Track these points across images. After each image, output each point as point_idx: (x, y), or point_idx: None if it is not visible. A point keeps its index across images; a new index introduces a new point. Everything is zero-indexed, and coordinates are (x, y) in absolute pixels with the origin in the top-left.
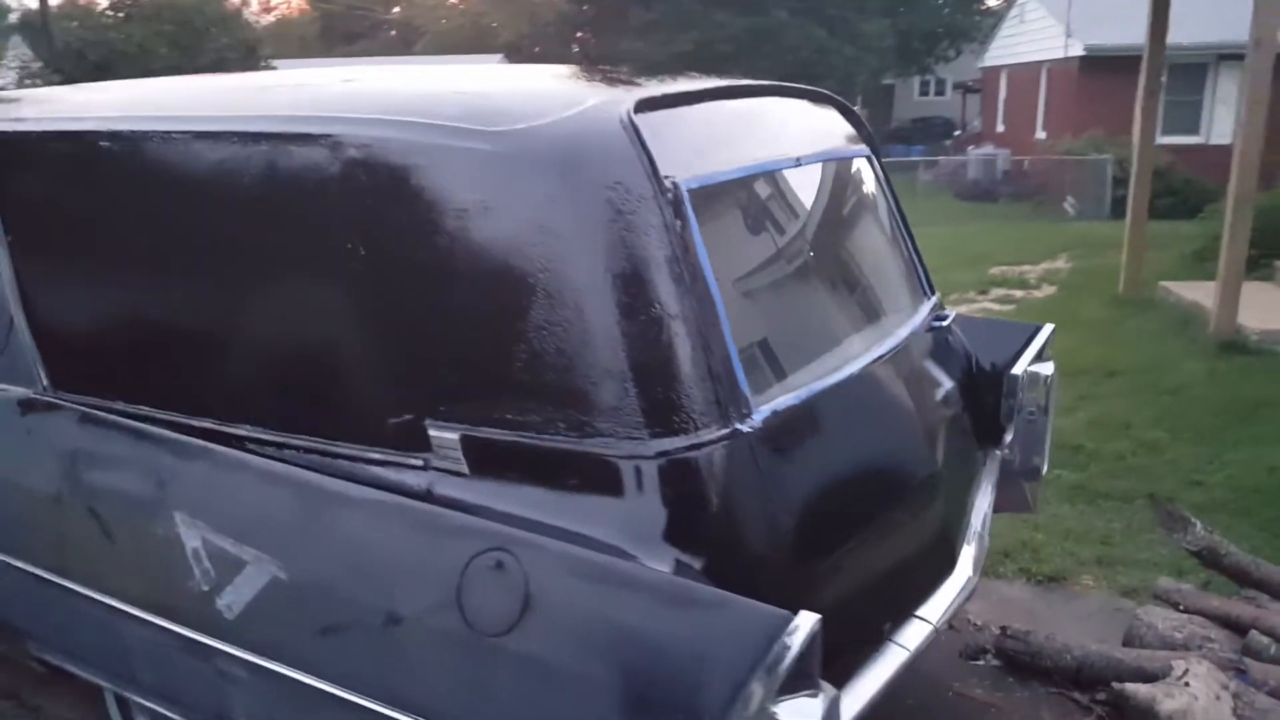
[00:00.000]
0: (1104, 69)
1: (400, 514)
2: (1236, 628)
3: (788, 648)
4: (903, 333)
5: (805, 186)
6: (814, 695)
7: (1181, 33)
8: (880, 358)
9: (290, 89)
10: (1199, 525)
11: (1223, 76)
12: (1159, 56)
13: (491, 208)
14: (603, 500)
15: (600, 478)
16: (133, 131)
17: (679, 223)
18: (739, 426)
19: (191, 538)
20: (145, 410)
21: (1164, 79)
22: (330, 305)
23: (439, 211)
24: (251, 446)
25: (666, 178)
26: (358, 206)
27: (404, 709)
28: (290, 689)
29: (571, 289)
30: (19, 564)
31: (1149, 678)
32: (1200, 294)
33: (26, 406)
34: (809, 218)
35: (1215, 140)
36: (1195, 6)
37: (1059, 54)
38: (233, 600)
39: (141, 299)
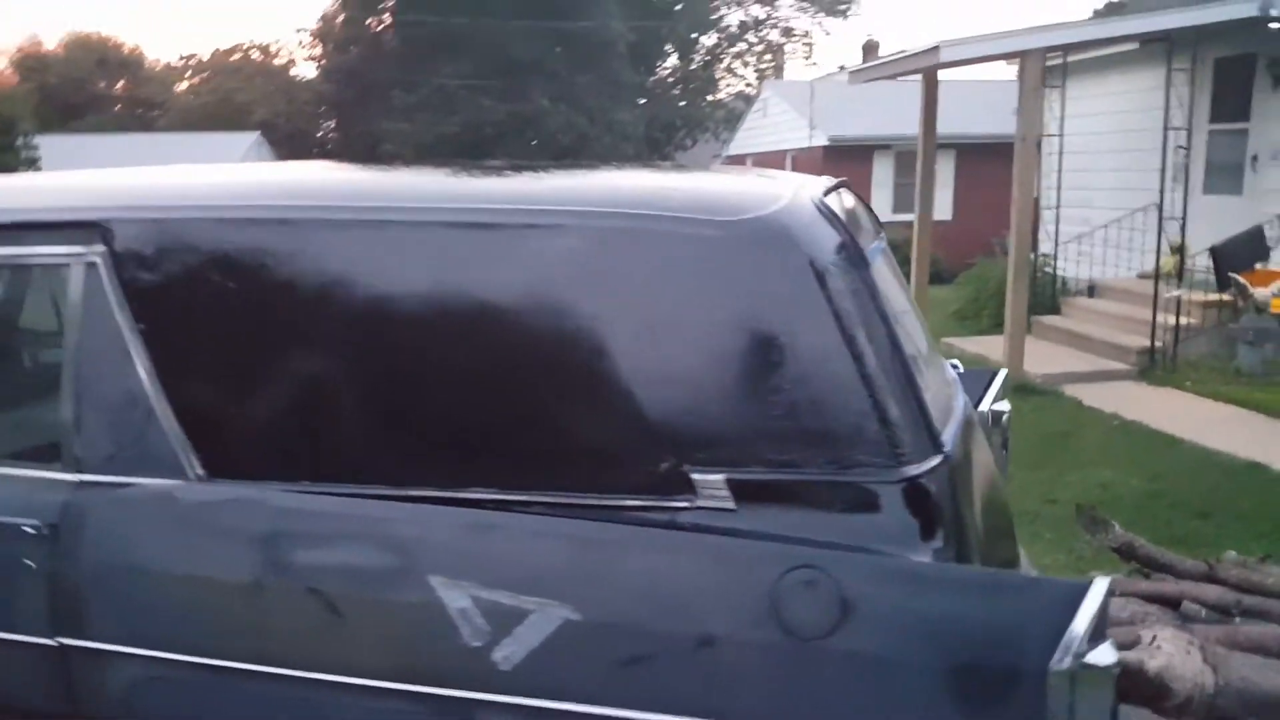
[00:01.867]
0: (843, 155)
1: (698, 547)
2: (1167, 602)
3: (1094, 607)
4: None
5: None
6: (1107, 641)
7: (911, 125)
8: (964, 399)
9: (501, 181)
10: (1116, 526)
11: (940, 163)
12: (930, 147)
13: (737, 282)
14: (860, 518)
15: (857, 500)
16: (347, 219)
17: (875, 283)
18: (946, 452)
19: (456, 598)
20: (339, 489)
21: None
22: (590, 371)
23: (693, 288)
24: (487, 509)
25: (860, 246)
26: (618, 284)
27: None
28: None
29: (814, 345)
30: (185, 658)
31: (1124, 649)
32: (979, 347)
33: (191, 494)
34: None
35: (937, 217)
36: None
37: (804, 143)
38: (512, 650)
39: (350, 383)
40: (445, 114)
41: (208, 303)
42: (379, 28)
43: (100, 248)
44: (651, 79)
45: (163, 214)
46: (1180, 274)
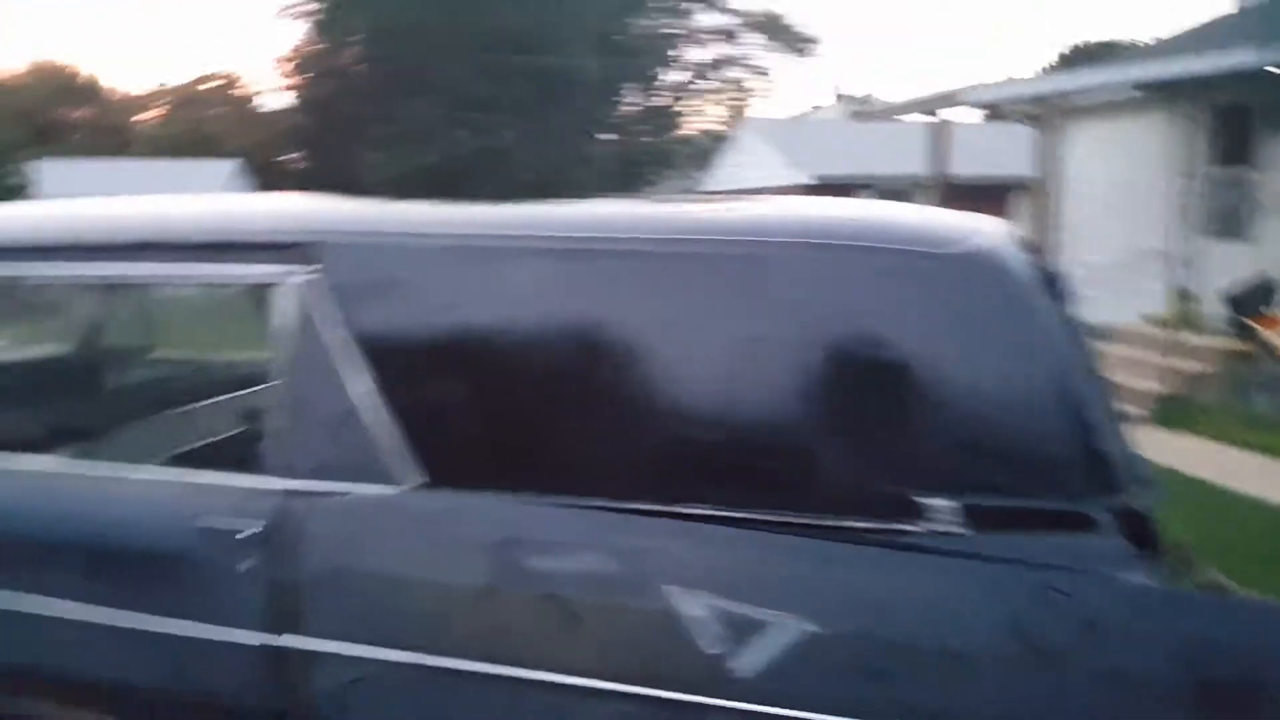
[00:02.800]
0: (827, 194)
1: (943, 568)
2: None
3: None
4: None
5: None
6: None
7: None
8: None
9: (748, 210)
10: (1207, 568)
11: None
12: (939, 188)
13: (960, 313)
14: (1086, 542)
15: (1082, 526)
16: (571, 249)
17: (1078, 315)
18: (1153, 480)
19: (693, 608)
20: (561, 500)
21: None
22: (818, 396)
23: (918, 319)
24: (709, 524)
25: (1064, 280)
26: (848, 314)
27: None
28: None
29: (1036, 377)
30: (408, 658)
31: None
32: None
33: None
34: None
35: None
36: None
37: (786, 181)
38: (749, 659)
39: (579, 402)
40: (420, 146)
41: (432, 322)
42: (351, 61)
43: (317, 268)
44: (614, 115)
45: (381, 239)
46: (1189, 319)
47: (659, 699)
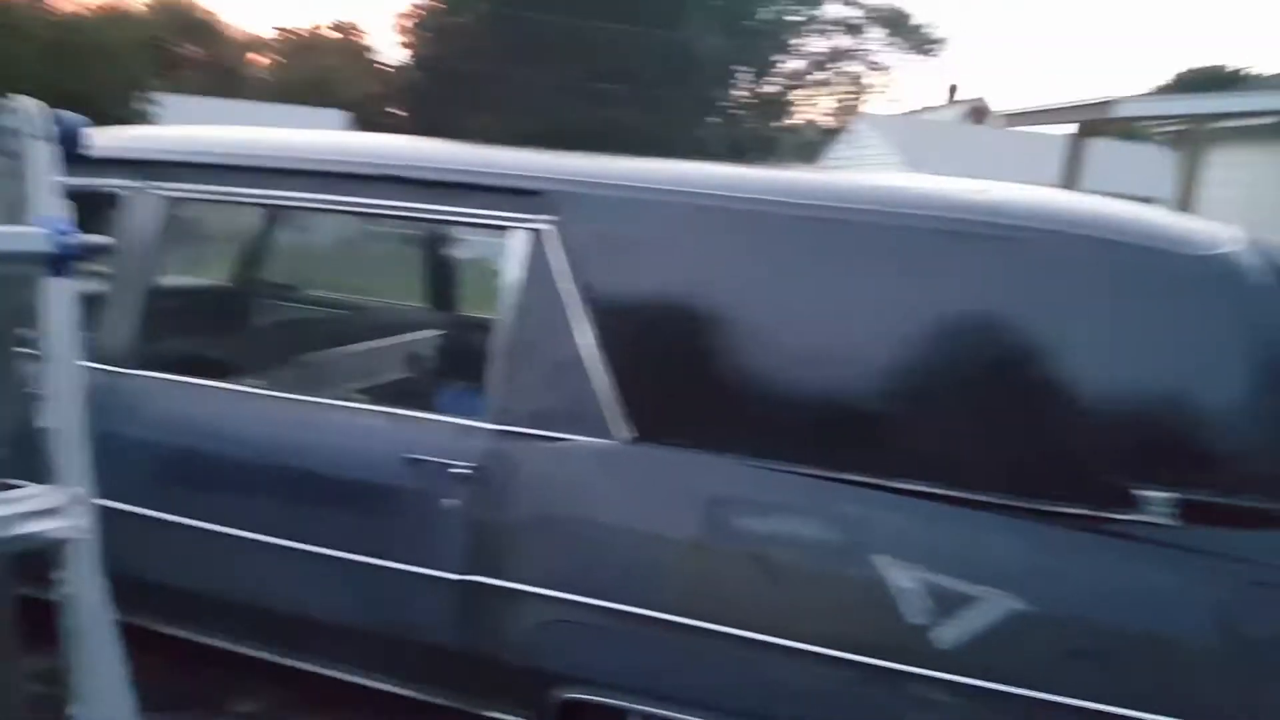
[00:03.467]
0: None
1: (1155, 557)
2: None
3: None
4: None
5: None
6: None
7: (1000, 174)
8: None
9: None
10: None
11: None
12: None
13: (1197, 316)
14: None
15: None
16: (812, 216)
17: None
18: None
19: (902, 579)
20: (770, 465)
21: None
22: (1044, 383)
23: (1155, 317)
24: (919, 500)
25: None
26: (1085, 303)
27: (1152, 711)
28: (1010, 706)
29: (1258, 384)
30: (605, 604)
31: None
32: None
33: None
34: None
35: None
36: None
37: None
38: (955, 632)
39: (797, 370)
40: (529, 112)
41: (660, 280)
42: (475, 21)
43: (553, 217)
44: (727, 98)
45: (619, 193)
46: None
47: (862, 664)
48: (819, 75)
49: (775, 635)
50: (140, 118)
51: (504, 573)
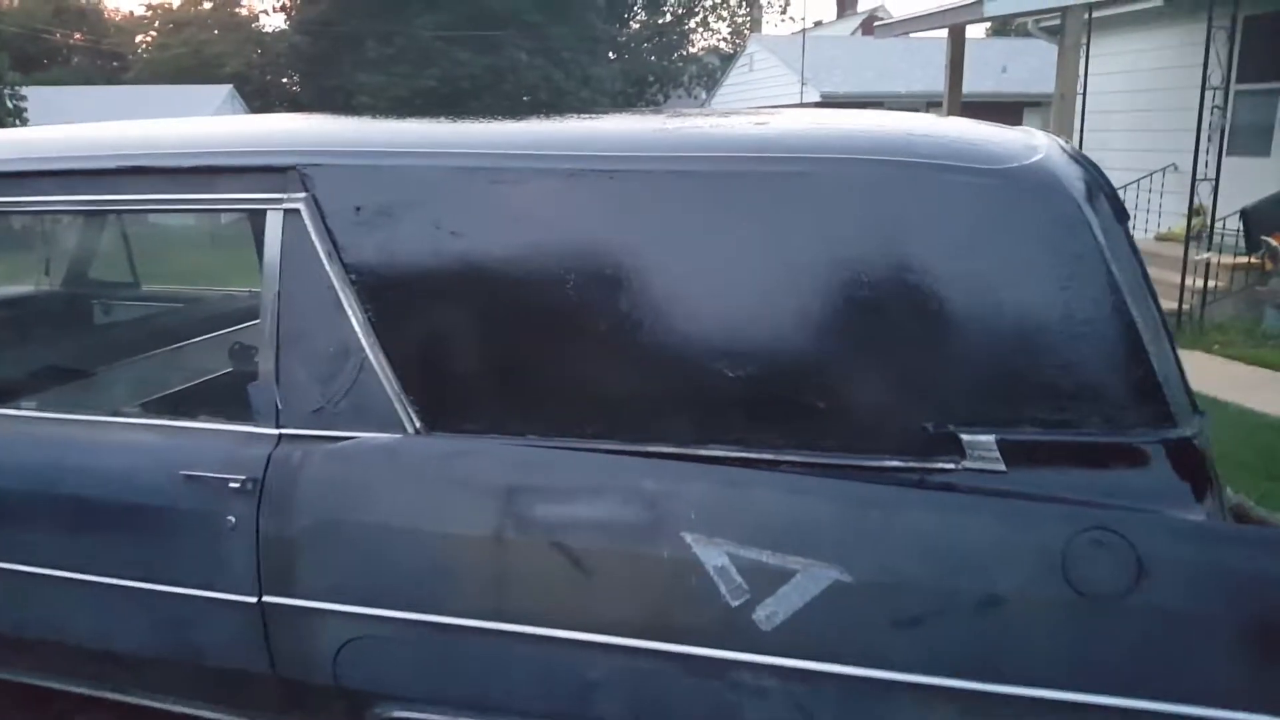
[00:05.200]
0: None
1: (979, 507)
2: None
3: None
4: None
5: None
6: None
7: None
8: None
9: (768, 126)
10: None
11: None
12: (956, 106)
13: (1008, 233)
14: (1135, 478)
15: (1131, 461)
16: (576, 168)
17: (1132, 236)
18: (1203, 411)
19: (713, 556)
20: (568, 444)
21: None
22: (849, 325)
23: (960, 239)
24: (723, 467)
25: (1118, 198)
26: (880, 235)
27: (1001, 680)
28: (846, 687)
29: (1089, 301)
30: (406, 615)
31: None
32: None
33: (418, 449)
34: None
35: None
36: (910, 65)
37: (794, 100)
38: (775, 610)
39: (584, 331)
40: (421, 67)
41: (425, 253)
42: None
43: (303, 194)
44: (623, 33)
45: (377, 160)
46: (1208, 237)
47: (678, 654)
48: (710, 1)
49: (588, 631)
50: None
51: (297, 591)
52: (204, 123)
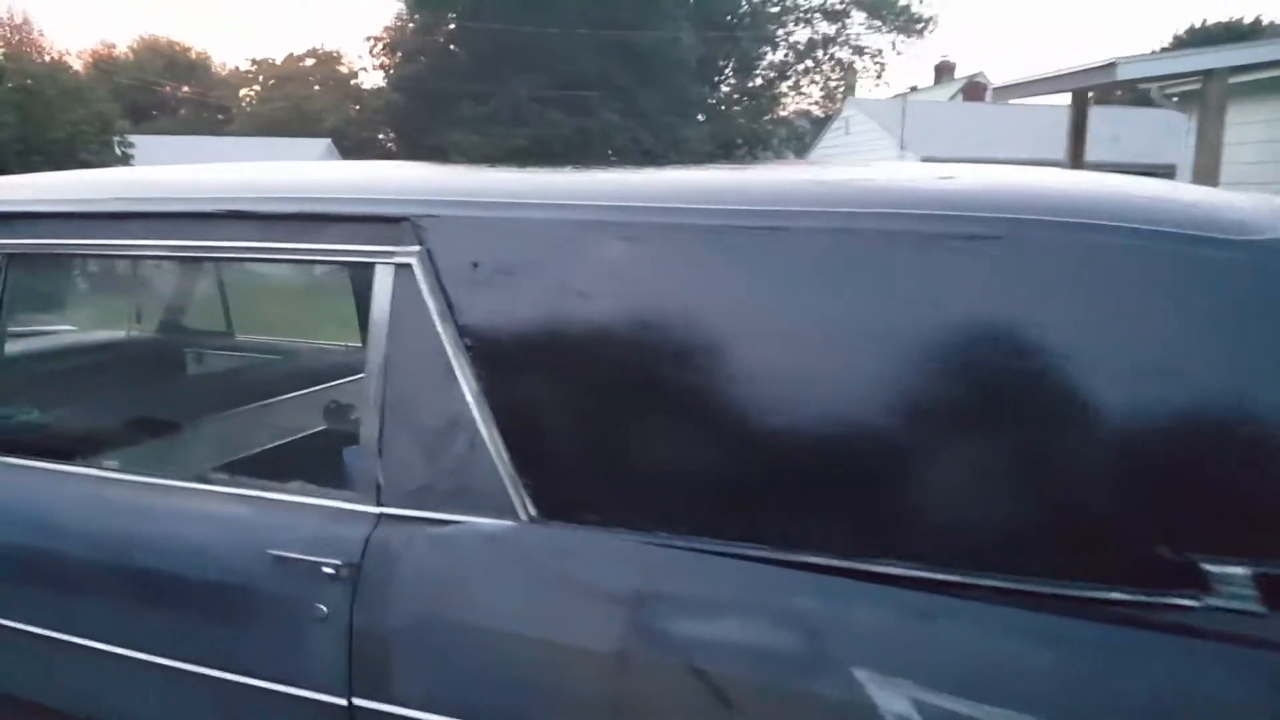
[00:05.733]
0: None
1: (1232, 660)
2: None
3: None
4: None
5: None
6: None
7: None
8: None
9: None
10: None
11: None
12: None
13: (1256, 317)
14: None
15: None
16: (743, 225)
17: None
18: None
19: (893, 701)
20: (709, 545)
21: None
22: (1064, 423)
23: (1198, 323)
24: (908, 587)
25: None
26: (1100, 315)
27: None
28: None
29: None
30: None
31: None
32: None
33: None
34: None
35: None
36: (1011, 132)
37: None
38: None
39: (737, 418)
40: (514, 126)
41: (554, 315)
42: (446, 38)
43: (416, 247)
44: (714, 95)
45: (498, 212)
46: None
47: None
48: (804, 65)
49: None
50: (111, 160)
51: (393, 695)
52: (310, 168)
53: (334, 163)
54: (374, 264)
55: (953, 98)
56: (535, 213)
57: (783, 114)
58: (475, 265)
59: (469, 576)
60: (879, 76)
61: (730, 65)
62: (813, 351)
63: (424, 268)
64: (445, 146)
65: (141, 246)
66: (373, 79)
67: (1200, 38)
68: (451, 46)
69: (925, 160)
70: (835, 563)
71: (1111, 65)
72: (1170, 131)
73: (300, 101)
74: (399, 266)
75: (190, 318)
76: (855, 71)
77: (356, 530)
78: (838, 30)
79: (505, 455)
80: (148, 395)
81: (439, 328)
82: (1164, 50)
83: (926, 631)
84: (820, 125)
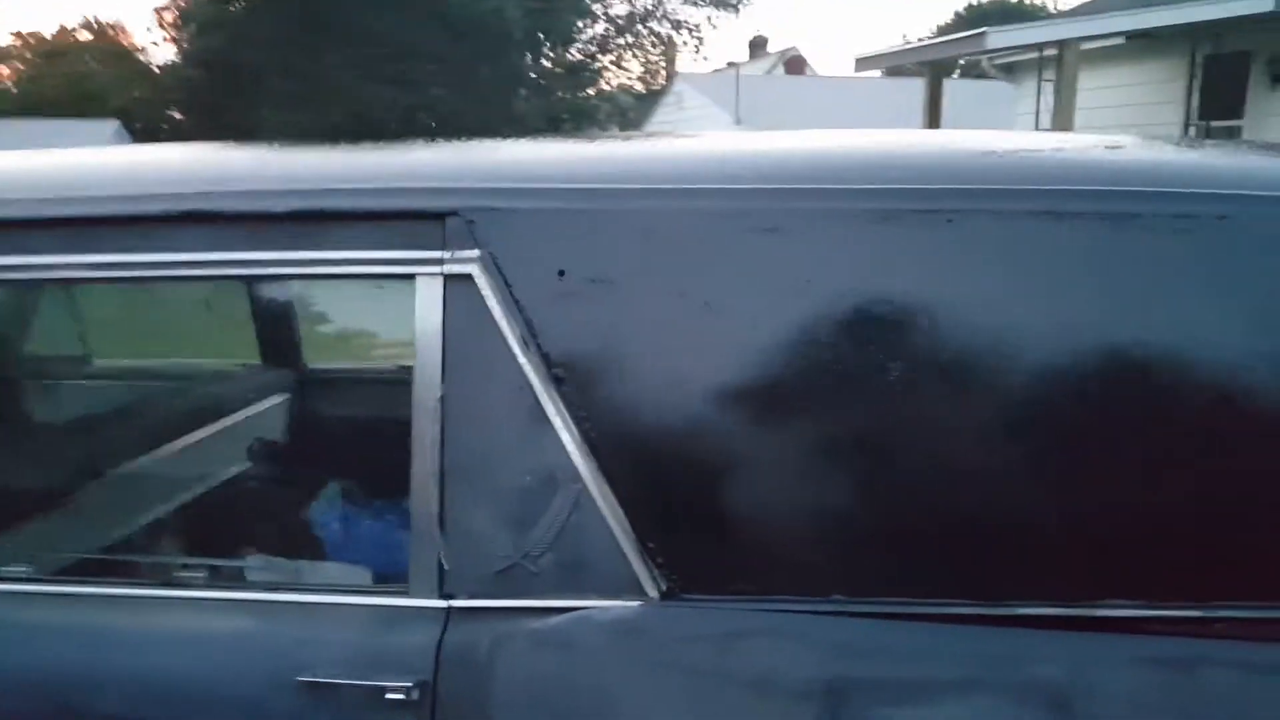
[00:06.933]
0: None
1: None
2: None
3: None
4: None
5: None
6: None
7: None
8: None
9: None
10: None
11: None
12: None
13: None
14: None
15: None
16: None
17: None
18: None
19: None
20: (893, 604)
21: None
22: None
23: None
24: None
25: None
26: None
27: None
28: None
29: None
30: None
31: None
32: None
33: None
34: None
35: None
36: (840, 105)
37: None
38: None
39: (917, 447)
40: (330, 102)
41: (674, 333)
42: (248, 8)
43: (474, 251)
44: (536, 70)
45: (587, 201)
46: None
47: None
48: (624, 40)
49: None
50: None
51: None
52: (302, 150)
53: (332, 145)
54: (412, 276)
55: (770, 71)
56: (633, 201)
57: (606, 89)
58: (561, 274)
59: (590, 683)
60: (698, 51)
61: (551, 38)
62: (1013, 359)
63: (490, 278)
64: (252, 125)
65: (62, 266)
66: (165, 53)
67: (977, 15)
68: (253, 19)
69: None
70: (1047, 610)
71: (981, 34)
72: (989, 101)
73: (79, 79)
74: (452, 278)
75: (33, 341)
76: (675, 46)
77: (420, 634)
78: (655, 4)
79: (622, 515)
80: (94, 452)
81: (520, 358)
82: (946, 27)
83: (1191, 684)
84: (644, 101)
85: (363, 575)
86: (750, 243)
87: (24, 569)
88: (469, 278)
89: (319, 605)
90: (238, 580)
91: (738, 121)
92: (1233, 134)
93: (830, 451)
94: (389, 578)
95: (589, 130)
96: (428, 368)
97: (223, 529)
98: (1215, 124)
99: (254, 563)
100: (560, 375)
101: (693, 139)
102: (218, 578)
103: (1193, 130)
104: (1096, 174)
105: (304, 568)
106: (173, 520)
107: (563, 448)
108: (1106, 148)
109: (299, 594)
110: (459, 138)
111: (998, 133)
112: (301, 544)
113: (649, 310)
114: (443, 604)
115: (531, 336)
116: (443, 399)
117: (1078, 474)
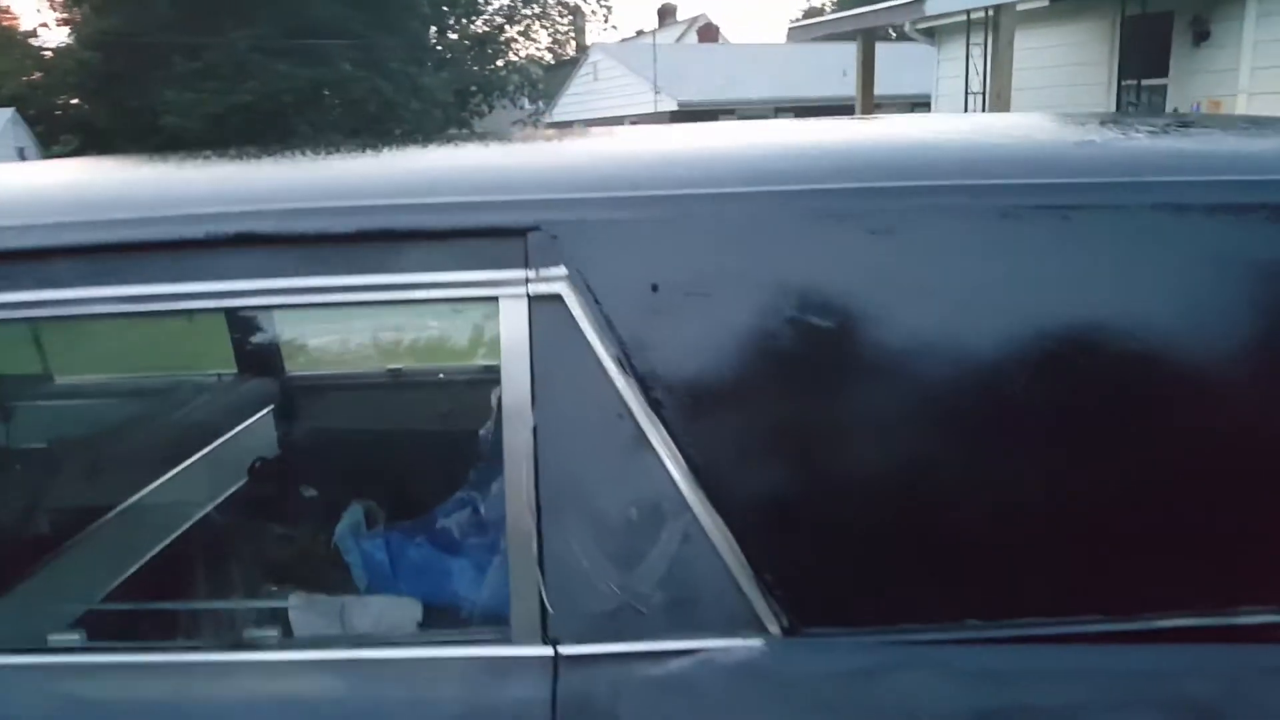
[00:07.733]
0: (691, 120)
1: None
2: None
3: None
4: None
5: None
6: None
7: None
8: None
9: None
10: None
11: None
12: (869, 108)
13: None
14: None
15: None
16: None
17: None
18: None
19: None
20: (1031, 626)
21: None
22: None
23: None
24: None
25: None
26: None
27: None
28: None
29: None
30: None
31: None
32: None
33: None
34: None
35: None
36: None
37: (647, 108)
38: None
39: (1063, 456)
40: (236, 81)
41: (789, 348)
42: None
43: (560, 269)
44: (443, 42)
45: (677, 207)
46: None
47: None
48: (531, 9)
49: None
50: None
51: None
52: (342, 158)
53: (378, 152)
54: (495, 299)
55: (680, 39)
56: (742, 206)
57: (515, 60)
58: (655, 288)
59: None
60: (606, 20)
61: (457, 11)
62: (1161, 365)
63: (581, 298)
64: (156, 108)
65: (84, 300)
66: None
67: None
68: None
69: (682, 104)
70: (1185, 621)
71: (915, 2)
72: (911, 64)
73: None
74: (538, 299)
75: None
76: (584, 15)
77: (527, 686)
78: None
79: (736, 547)
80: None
81: (619, 383)
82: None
83: None
84: (555, 71)
85: (436, 618)
86: (866, 245)
87: (74, 638)
88: (558, 297)
89: (416, 661)
90: (319, 638)
91: (656, 91)
92: (1157, 92)
93: (960, 470)
94: (484, 621)
95: (495, 102)
96: (518, 396)
97: (293, 580)
98: (1143, 82)
99: (330, 615)
100: (660, 398)
101: (770, 129)
102: (290, 636)
103: (1116, 89)
104: (1213, 162)
105: (387, 615)
106: (236, 573)
107: (668, 476)
108: (1180, 126)
109: (391, 649)
110: (518, 140)
111: (1048, 115)
112: (383, 590)
113: (759, 322)
114: (548, 651)
115: (626, 357)
116: (535, 429)
117: (1211, 480)
